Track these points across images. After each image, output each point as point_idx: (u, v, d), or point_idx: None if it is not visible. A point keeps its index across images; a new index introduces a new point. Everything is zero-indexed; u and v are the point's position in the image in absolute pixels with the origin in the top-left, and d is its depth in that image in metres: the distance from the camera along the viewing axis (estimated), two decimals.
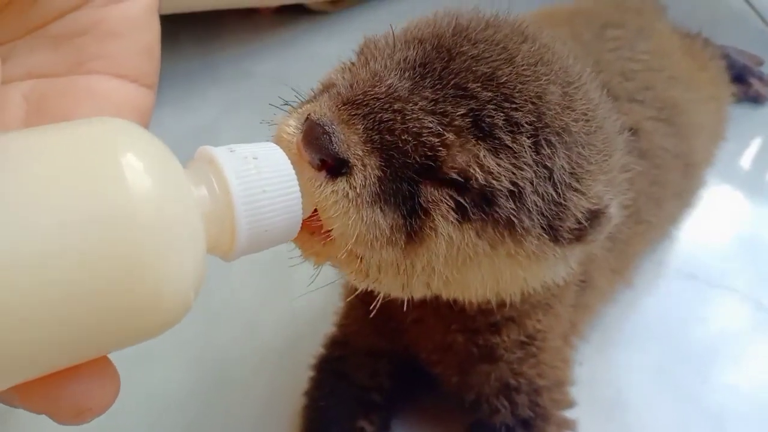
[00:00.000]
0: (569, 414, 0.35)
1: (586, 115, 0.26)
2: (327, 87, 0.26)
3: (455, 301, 0.30)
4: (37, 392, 0.21)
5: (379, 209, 0.24)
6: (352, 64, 0.27)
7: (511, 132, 0.24)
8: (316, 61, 0.64)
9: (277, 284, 0.45)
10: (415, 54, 0.25)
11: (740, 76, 0.58)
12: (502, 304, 0.30)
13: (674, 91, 0.43)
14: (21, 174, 0.18)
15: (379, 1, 0.71)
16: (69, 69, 0.28)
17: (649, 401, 0.38)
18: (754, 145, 0.55)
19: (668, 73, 0.44)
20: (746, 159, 0.54)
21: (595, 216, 0.26)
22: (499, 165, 0.24)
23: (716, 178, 0.51)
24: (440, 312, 0.31)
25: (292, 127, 0.24)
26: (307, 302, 0.44)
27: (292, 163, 0.23)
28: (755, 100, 0.58)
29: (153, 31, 0.30)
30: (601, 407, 0.38)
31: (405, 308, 0.28)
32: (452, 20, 0.27)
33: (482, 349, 0.32)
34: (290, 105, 0.26)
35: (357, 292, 0.27)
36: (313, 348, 0.39)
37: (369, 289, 0.26)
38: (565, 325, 0.34)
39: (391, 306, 0.30)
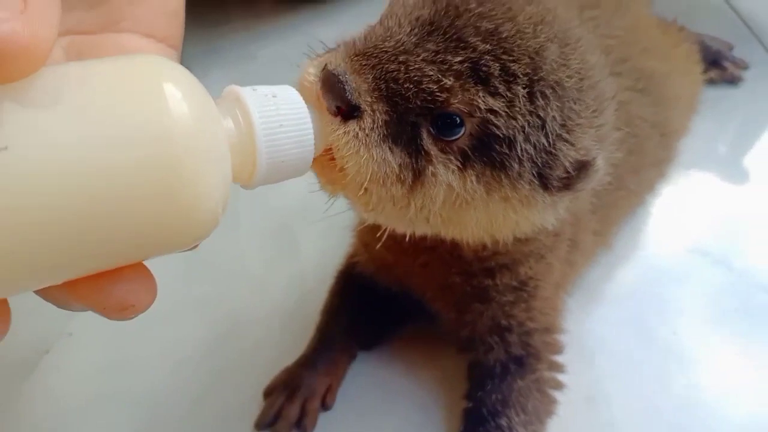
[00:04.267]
0: (559, 358, 0.38)
1: (579, 73, 0.28)
2: (345, 41, 0.29)
3: (455, 246, 0.33)
4: (89, 290, 0.23)
5: (388, 148, 0.27)
6: (374, 24, 0.30)
7: (507, 81, 0.26)
8: (318, 45, 0.67)
9: (285, 250, 0.48)
10: (427, 12, 0.27)
11: (715, 60, 0.61)
12: (496, 252, 0.33)
13: (650, 63, 0.46)
14: (81, 96, 0.21)
15: None
16: (103, 27, 0.30)
17: (628, 350, 0.42)
18: (731, 124, 0.59)
19: (643, 45, 0.46)
20: (723, 139, 0.57)
21: (582, 166, 0.28)
22: (496, 102, 0.26)
23: (694, 156, 0.55)
24: (442, 257, 0.34)
25: (312, 74, 0.27)
26: (313, 266, 0.47)
27: (312, 106, 0.25)
28: (731, 81, 0.61)
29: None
30: (585, 355, 0.41)
31: (410, 252, 0.31)
32: None
33: (476, 289, 0.36)
34: (313, 53, 0.29)
35: (366, 225, 0.30)
36: (319, 306, 0.43)
37: (376, 222, 0.29)
38: (557, 275, 0.37)
39: (400, 250, 0.33)
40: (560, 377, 0.38)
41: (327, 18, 0.71)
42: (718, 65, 0.61)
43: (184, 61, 0.32)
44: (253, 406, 0.40)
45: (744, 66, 0.62)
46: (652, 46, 0.47)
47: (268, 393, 0.40)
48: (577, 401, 0.39)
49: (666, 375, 0.40)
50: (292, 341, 0.43)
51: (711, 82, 0.60)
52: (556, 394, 0.37)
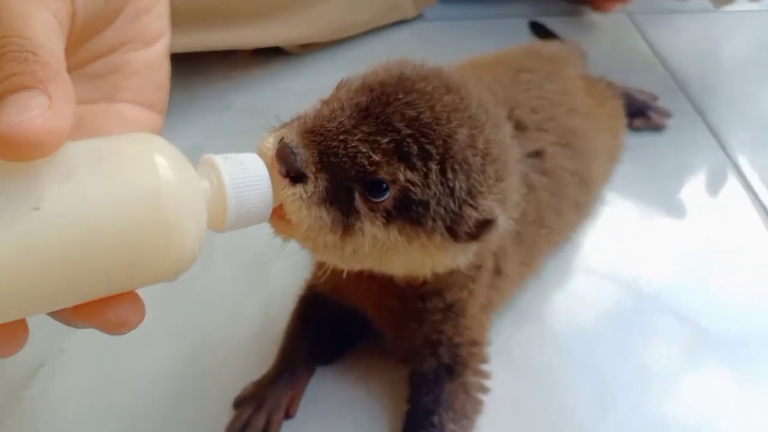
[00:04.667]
0: (484, 367, 0.45)
1: (484, 151, 0.34)
2: (300, 116, 0.36)
3: (390, 277, 0.39)
4: (92, 312, 0.28)
5: (324, 208, 0.33)
6: (323, 100, 0.37)
7: (423, 159, 0.33)
8: (287, 95, 0.75)
9: (254, 280, 0.54)
10: (364, 99, 0.34)
11: (641, 110, 0.69)
12: (425, 281, 0.40)
13: (573, 122, 0.53)
14: (91, 167, 0.26)
15: (340, 46, 0.81)
16: (102, 98, 0.36)
17: (551, 364, 0.48)
18: (654, 167, 0.66)
19: (569, 106, 0.54)
20: (646, 178, 0.65)
21: (485, 224, 0.35)
22: (412, 174, 0.33)
23: (615, 194, 0.62)
24: (381, 285, 0.41)
25: (270, 143, 0.33)
26: (279, 294, 0.53)
27: (269, 170, 0.31)
28: (655, 128, 0.69)
29: (165, 71, 0.38)
30: (514, 367, 0.48)
31: (354, 280, 0.37)
32: (398, 71, 0.35)
33: (411, 311, 0.42)
34: (271, 126, 0.36)
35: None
36: (284, 328, 0.49)
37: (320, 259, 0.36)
38: (482, 299, 0.44)
39: (346, 279, 0.40)
40: (485, 382, 0.44)
41: (295, 70, 0.77)
42: (643, 115, 0.69)
43: (169, 109, 0.38)
44: (225, 414, 0.45)
45: (667, 115, 0.70)
46: (577, 106, 0.55)
47: (238, 404, 0.45)
48: (504, 407, 0.45)
49: (577, 384, 0.47)
50: (260, 358, 0.48)
51: (637, 129, 0.68)
52: (482, 396, 0.44)
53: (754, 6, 0.75)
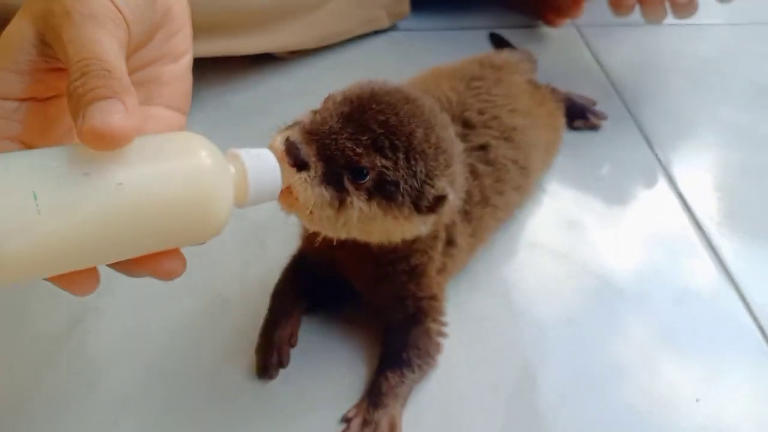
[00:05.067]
0: (441, 317, 0.55)
1: (435, 144, 0.45)
2: (298, 121, 0.44)
3: (367, 245, 0.48)
4: (150, 263, 0.35)
5: (323, 188, 0.42)
6: (315, 110, 0.47)
7: (393, 150, 0.43)
8: (278, 94, 0.85)
9: (257, 250, 0.64)
10: (347, 108, 0.43)
11: (581, 112, 0.80)
12: (394, 248, 0.49)
13: (515, 120, 0.63)
14: (154, 156, 0.33)
15: (324, 52, 0.91)
16: (141, 102, 0.40)
17: (497, 315, 0.59)
18: (589, 160, 0.77)
19: (511, 107, 0.63)
20: (581, 169, 0.76)
21: (440, 199, 0.45)
22: (386, 162, 0.43)
23: (556, 183, 0.74)
24: (360, 252, 0.50)
25: (279, 141, 0.42)
26: (277, 262, 0.63)
27: (279, 161, 0.39)
28: (592, 129, 0.80)
29: (189, 80, 0.45)
30: (467, 318, 0.58)
31: (340, 248, 0.48)
32: (369, 88, 0.45)
33: (384, 274, 0.52)
34: (277, 128, 0.46)
35: (312, 234, 0.48)
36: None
37: (319, 232, 0.46)
38: (438, 264, 0.54)
39: (331, 247, 0.51)
40: (443, 329, 0.55)
41: (285, 73, 0.86)
42: (583, 116, 0.80)
43: None
44: (238, 356, 0.54)
45: (603, 117, 0.81)
46: (519, 107, 0.65)
47: (258, 351, 0.54)
48: (459, 348, 0.57)
49: (517, 329, 0.59)
50: (263, 309, 0.58)
51: (577, 128, 0.80)
52: (440, 339, 0.55)
53: (686, 21, 0.85)
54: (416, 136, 0.44)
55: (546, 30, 0.98)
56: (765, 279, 0.64)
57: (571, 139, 0.78)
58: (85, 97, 0.32)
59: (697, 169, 0.77)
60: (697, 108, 0.87)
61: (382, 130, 0.43)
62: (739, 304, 0.62)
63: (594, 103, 0.83)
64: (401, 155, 0.43)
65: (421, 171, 0.44)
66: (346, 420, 0.51)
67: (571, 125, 0.79)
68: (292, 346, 0.55)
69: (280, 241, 0.64)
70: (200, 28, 0.74)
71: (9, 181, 0.30)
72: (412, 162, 0.44)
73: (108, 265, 0.35)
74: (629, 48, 0.96)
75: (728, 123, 0.84)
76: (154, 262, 0.36)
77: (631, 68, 0.92)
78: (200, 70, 0.47)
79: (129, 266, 0.36)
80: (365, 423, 0.50)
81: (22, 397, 0.53)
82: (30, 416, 0.51)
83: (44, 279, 0.33)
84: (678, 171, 0.76)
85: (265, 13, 0.80)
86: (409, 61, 0.92)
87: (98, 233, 0.32)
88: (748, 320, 0.61)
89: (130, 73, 0.41)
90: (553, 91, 0.77)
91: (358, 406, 0.52)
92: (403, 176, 0.43)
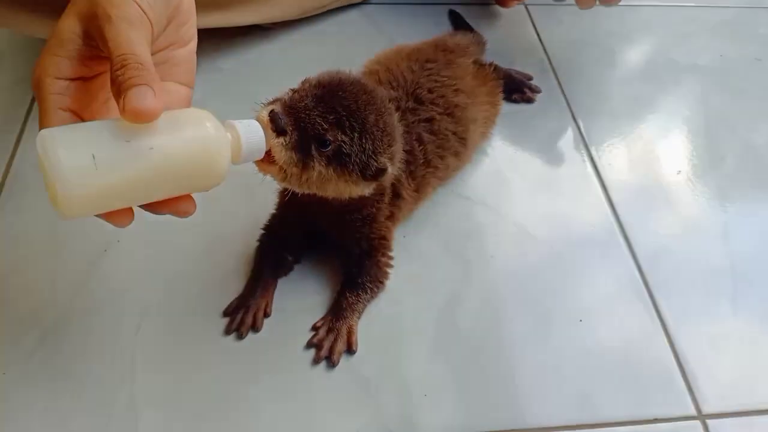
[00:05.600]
0: (389, 252, 0.71)
1: (382, 127, 0.56)
2: (278, 97, 0.55)
3: (328, 199, 0.60)
4: (171, 204, 0.46)
5: (294, 151, 0.53)
6: (293, 89, 0.60)
7: (351, 129, 0.54)
8: (264, 61, 0.99)
9: (243, 202, 0.78)
10: (319, 91, 0.54)
11: (519, 87, 0.94)
12: (349, 202, 0.61)
13: (458, 98, 0.75)
14: (174, 127, 0.45)
15: (304, 22, 1.03)
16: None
17: (435, 252, 0.76)
18: (524, 130, 0.92)
19: (456, 87, 0.77)
20: (516, 137, 0.91)
21: (381, 171, 0.57)
22: (344, 137, 0.55)
23: (494, 148, 0.89)
24: (322, 204, 0.61)
25: (265, 113, 0.52)
26: (263, 213, 0.78)
27: (264, 128, 0.50)
28: (528, 102, 0.94)
29: (194, 61, 0.55)
30: (411, 257, 0.75)
31: (307, 200, 0.63)
32: (338, 77, 0.57)
33: (341, 220, 0.66)
34: (264, 101, 0.56)
35: (285, 190, 0.63)
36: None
37: (287, 187, 0.57)
38: (386, 213, 0.69)
39: (303, 201, 0.63)
40: (390, 261, 0.71)
41: (270, 41, 0.98)
42: (520, 91, 0.94)
43: None
44: (231, 277, 0.70)
45: (538, 91, 0.95)
46: (463, 87, 0.79)
47: (228, 312, 0.66)
48: (402, 278, 0.74)
49: (448, 264, 0.76)
50: (250, 241, 0.73)
51: (515, 101, 0.94)
52: (388, 269, 0.70)
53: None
54: (369, 121, 0.56)
55: (499, 8, 1.11)
56: (646, 227, 0.82)
57: (509, 109, 0.93)
58: (125, 83, 0.42)
59: (608, 138, 0.93)
60: (616, 83, 1.02)
61: (344, 113, 0.55)
62: (625, 251, 0.79)
63: (530, 78, 0.97)
64: (356, 134, 0.55)
65: (369, 148, 0.56)
66: (315, 328, 0.68)
67: (510, 98, 0.94)
68: (267, 316, 0.66)
69: (263, 192, 0.80)
70: (198, 4, 0.87)
71: (76, 147, 0.42)
72: (363, 141, 0.55)
73: (140, 206, 0.47)
74: (567, 26, 1.08)
75: (639, 96, 1.00)
76: (175, 204, 0.48)
77: (567, 45, 1.06)
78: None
79: (156, 206, 0.47)
80: (329, 330, 0.67)
81: (64, 307, 0.68)
82: (71, 324, 0.67)
83: (95, 215, 0.45)
84: (593, 139, 0.92)
85: None
86: (379, 31, 1.06)
87: (136, 183, 0.44)
88: (630, 261, 0.78)
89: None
90: (496, 69, 0.91)
91: (324, 318, 0.68)
92: (355, 151, 0.55)
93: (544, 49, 1.05)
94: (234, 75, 0.95)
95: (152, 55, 0.48)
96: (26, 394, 0.62)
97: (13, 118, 0.87)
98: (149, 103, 0.42)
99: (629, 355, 0.70)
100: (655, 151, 0.92)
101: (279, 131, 0.53)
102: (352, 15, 1.08)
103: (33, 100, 0.89)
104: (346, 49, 1.01)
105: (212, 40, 0.96)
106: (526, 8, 1.13)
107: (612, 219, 0.83)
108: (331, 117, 0.55)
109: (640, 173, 0.89)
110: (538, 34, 1.08)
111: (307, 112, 0.54)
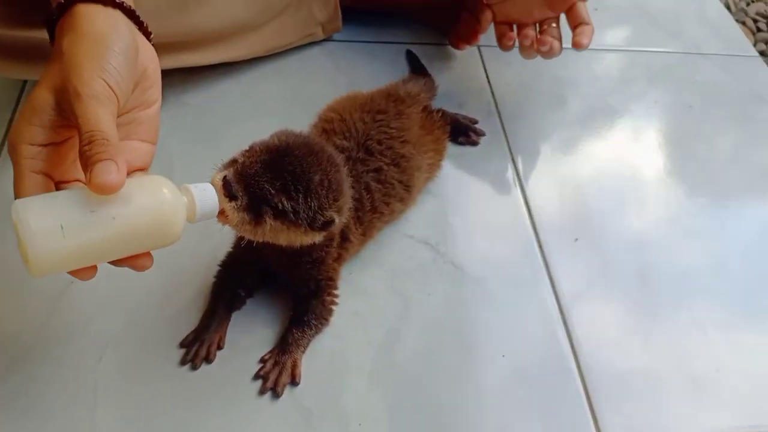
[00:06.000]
0: (335, 291, 0.79)
1: (327, 187, 0.61)
2: (233, 160, 0.60)
3: (280, 245, 0.65)
4: (129, 261, 0.52)
5: (245, 213, 0.58)
6: (246, 150, 0.67)
7: (296, 192, 0.58)
8: (229, 96, 1.05)
9: (204, 248, 0.86)
10: (267, 158, 0.59)
11: (464, 131, 1.01)
12: (301, 248, 0.66)
13: (405, 149, 0.80)
14: (132, 195, 0.50)
15: (270, 58, 1.08)
16: (123, 137, 0.53)
17: (378, 289, 0.83)
18: (466, 170, 1.00)
19: (404, 138, 0.83)
20: (458, 177, 0.98)
21: (329, 222, 0.62)
22: (290, 202, 0.59)
23: (439, 186, 0.97)
24: (276, 248, 0.65)
25: (218, 178, 0.57)
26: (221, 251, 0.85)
27: (217, 192, 0.56)
28: (473, 144, 1.01)
29: (157, 120, 0.58)
30: (355, 294, 0.82)
31: (262, 246, 0.71)
32: (285, 141, 0.61)
33: (293, 262, 0.70)
34: (219, 165, 0.65)
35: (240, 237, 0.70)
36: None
37: (242, 236, 0.62)
38: (334, 255, 0.76)
39: (258, 244, 0.69)
40: (336, 300, 0.78)
41: (236, 76, 1.03)
42: (465, 134, 1.02)
43: None
44: (190, 310, 0.77)
45: (482, 134, 1.02)
46: (409, 138, 0.85)
47: (184, 344, 0.72)
48: (346, 314, 0.81)
49: (390, 301, 0.84)
50: (207, 276, 0.80)
51: (460, 143, 1.01)
52: (333, 307, 0.77)
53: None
54: (314, 181, 0.61)
55: (453, 49, 1.18)
56: (572, 271, 0.90)
57: (455, 152, 1.01)
58: (92, 158, 0.47)
59: (543, 181, 1.01)
60: (556, 126, 1.10)
61: (290, 178, 0.59)
62: (549, 291, 0.88)
63: (476, 122, 1.05)
64: (301, 196, 0.60)
65: (315, 206, 0.61)
66: (263, 360, 0.75)
67: (456, 140, 1.02)
68: (220, 348, 0.73)
69: (222, 232, 0.86)
70: (166, 46, 0.93)
71: (46, 217, 0.48)
72: (309, 200, 0.60)
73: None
74: (515, 70, 1.16)
75: (575, 140, 1.08)
76: (134, 260, 0.53)
77: (513, 89, 1.13)
78: (163, 75, 0.62)
79: (116, 263, 0.53)
80: (275, 363, 0.74)
81: (31, 338, 0.74)
82: (37, 353, 0.73)
83: (62, 272, 0.50)
84: (529, 182, 1.01)
85: (220, 31, 0.98)
86: (339, 67, 1.13)
87: (100, 247, 0.49)
88: (553, 300, 0.87)
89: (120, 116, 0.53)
90: (443, 115, 0.98)
91: (271, 351, 0.75)
92: (302, 209, 0.60)
93: (492, 92, 1.12)
94: (199, 110, 1.00)
95: (120, 116, 0.52)
96: None
97: None
98: (113, 178, 0.47)
99: (545, 388, 0.78)
100: (585, 195, 1.01)
101: (231, 197, 0.58)
102: (314, 52, 1.14)
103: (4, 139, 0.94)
104: (306, 86, 1.08)
105: (179, 75, 1.01)
106: (479, 50, 1.20)
107: (540, 260, 0.91)
108: (278, 183, 0.60)
109: (568, 216, 0.97)
110: (487, 77, 1.15)
111: (256, 178, 0.59)
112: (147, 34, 0.59)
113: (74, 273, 0.51)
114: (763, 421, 0.78)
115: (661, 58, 1.28)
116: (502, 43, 1.02)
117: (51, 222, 0.47)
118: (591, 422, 0.76)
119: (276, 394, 0.72)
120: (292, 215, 0.61)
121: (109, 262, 0.53)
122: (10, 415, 0.68)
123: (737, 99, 1.21)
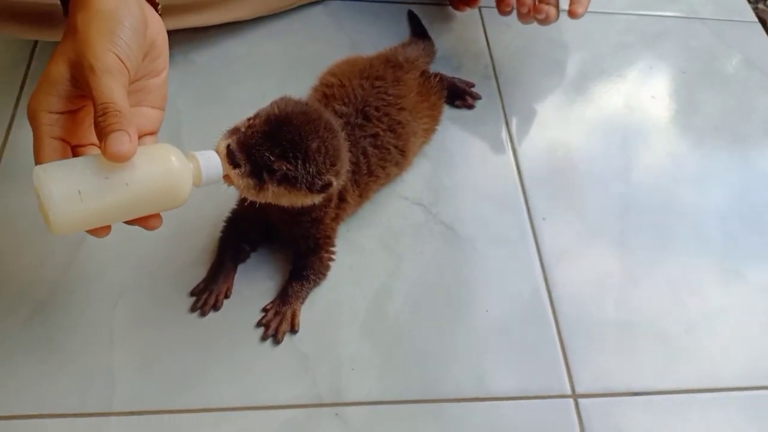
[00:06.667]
0: (332, 248, 0.85)
1: (324, 152, 0.64)
2: (235, 128, 0.62)
3: (282, 205, 0.69)
4: (141, 222, 0.56)
5: (249, 179, 0.61)
6: (249, 118, 0.71)
7: (295, 158, 0.61)
8: (234, 55, 1.08)
9: (211, 205, 0.91)
10: (267, 127, 0.61)
11: (461, 94, 1.05)
12: (301, 208, 0.70)
13: (401, 115, 0.83)
14: (143, 162, 0.53)
15: (273, 18, 1.11)
16: (133, 104, 0.57)
17: (373, 247, 0.89)
18: (462, 134, 1.05)
19: (401, 105, 0.84)
20: (454, 138, 1.02)
21: (327, 185, 0.66)
22: (290, 168, 0.62)
23: (435, 150, 1.01)
24: (278, 208, 0.69)
25: (222, 145, 0.60)
26: (227, 207, 0.90)
27: (221, 159, 0.59)
28: (469, 107, 1.05)
29: (165, 88, 0.62)
30: (351, 251, 0.87)
31: (265, 205, 0.76)
32: (284, 109, 0.63)
33: (294, 221, 0.74)
34: (223, 132, 0.68)
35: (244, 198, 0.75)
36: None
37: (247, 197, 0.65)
38: (332, 215, 0.81)
39: (261, 204, 0.78)
40: (333, 256, 0.84)
41: (241, 35, 1.05)
42: (461, 98, 1.06)
43: None
44: (197, 260, 0.84)
45: (478, 98, 1.06)
46: (406, 104, 0.89)
47: (194, 293, 0.77)
48: (343, 270, 0.87)
49: (383, 259, 0.90)
50: (213, 231, 0.86)
51: (457, 107, 1.06)
52: (330, 263, 0.83)
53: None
54: (311, 148, 0.64)
55: (454, 11, 1.20)
56: (557, 232, 0.96)
57: (451, 114, 1.05)
58: (106, 129, 0.50)
59: (535, 144, 1.05)
60: (550, 91, 1.13)
61: (289, 145, 0.63)
62: (534, 252, 0.94)
63: (472, 86, 1.08)
64: (300, 162, 0.63)
65: (313, 170, 0.64)
66: (265, 310, 0.81)
67: (452, 104, 1.06)
68: (227, 297, 0.78)
69: (227, 190, 0.91)
70: (173, 9, 0.96)
71: (65, 182, 0.51)
72: (307, 165, 0.64)
73: None
74: (514, 32, 1.17)
75: (568, 104, 1.12)
76: (145, 221, 0.57)
77: (511, 52, 1.15)
78: (171, 35, 0.65)
79: (129, 223, 0.57)
80: (276, 313, 0.81)
81: (50, 287, 0.80)
82: (56, 301, 0.79)
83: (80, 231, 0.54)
84: (521, 146, 1.05)
85: None
86: (342, 27, 1.16)
87: (113, 210, 0.54)
88: (537, 262, 0.93)
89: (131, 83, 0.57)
90: (441, 80, 1.02)
91: (273, 302, 0.82)
92: (301, 174, 0.64)
93: (491, 55, 1.15)
94: (206, 68, 1.01)
95: (130, 84, 0.55)
96: (17, 361, 0.75)
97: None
98: (125, 147, 0.50)
99: (524, 339, 0.85)
100: (574, 159, 1.05)
101: (233, 164, 0.62)
102: (316, 11, 1.16)
103: (20, 95, 0.98)
104: (309, 45, 1.11)
105: (186, 34, 1.04)
106: (480, 11, 1.22)
107: (527, 221, 0.97)
108: (277, 150, 0.63)
109: (557, 178, 1.02)
110: (487, 40, 1.17)
111: (257, 147, 0.62)
112: (155, 4, 0.63)
113: (91, 232, 0.56)
114: (727, 380, 0.85)
115: (658, 22, 1.29)
116: (501, 8, 1.05)
117: (70, 188, 0.52)
118: (564, 371, 0.83)
119: (276, 341, 0.78)
120: (292, 180, 0.65)
121: (122, 222, 0.57)
122: (33, 357, 0.75)
123: (729, 65, 1.23)
